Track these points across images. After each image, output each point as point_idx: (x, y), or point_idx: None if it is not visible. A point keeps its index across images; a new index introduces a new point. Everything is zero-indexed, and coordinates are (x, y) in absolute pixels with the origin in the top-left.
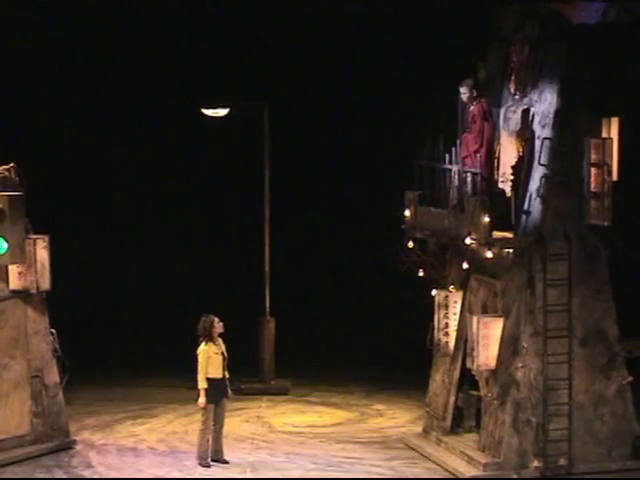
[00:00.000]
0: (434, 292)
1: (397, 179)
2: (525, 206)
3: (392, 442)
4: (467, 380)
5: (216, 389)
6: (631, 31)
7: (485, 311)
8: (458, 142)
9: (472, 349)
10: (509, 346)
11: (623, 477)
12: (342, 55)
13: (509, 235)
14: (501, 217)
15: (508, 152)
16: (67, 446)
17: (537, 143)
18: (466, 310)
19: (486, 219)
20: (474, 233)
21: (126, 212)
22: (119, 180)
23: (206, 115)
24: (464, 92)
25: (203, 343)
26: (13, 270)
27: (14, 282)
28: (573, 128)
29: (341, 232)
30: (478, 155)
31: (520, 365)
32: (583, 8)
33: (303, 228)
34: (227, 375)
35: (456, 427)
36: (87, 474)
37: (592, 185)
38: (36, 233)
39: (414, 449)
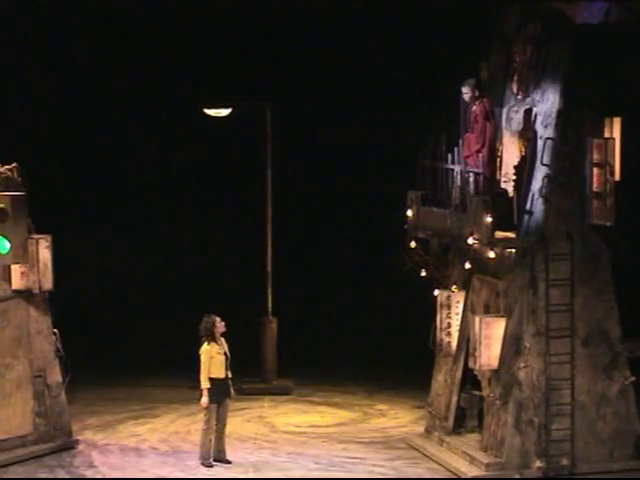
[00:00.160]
0: (436, 292)
1: (399, 179)
2: (527, 206)
3: (394, 442)
4: (469, 380)
5: (219, 389)
6: (633, 31)
7: (487, 311)
8: (460, 142)
9: (474, 349)
10: (511, 346)
11: (625, 477)
12: (344, 55)
13: (511, 235)
14: (503, 217)
15: (510, 152)
16: (69, 446)
17: (539, 143)
18: (468, 310)
19: (488, 219)
20: (476, 233)
21: (128, 212)
22: (121, 180)
23: (208, 115)
24: (466, 92)
25: (205, 343)
26: (16, 270)
27: (17, 282)
28: (575, 128)
29: (343, 232)
30: (480, 155)
31: (522, 365)
32: (585, 8)
33: (305, 228)
34: (230, 375)
35: (458, 427)
36: (89, 474)
37: (594, 185)
38: (38, 233)
39: (416, 449)
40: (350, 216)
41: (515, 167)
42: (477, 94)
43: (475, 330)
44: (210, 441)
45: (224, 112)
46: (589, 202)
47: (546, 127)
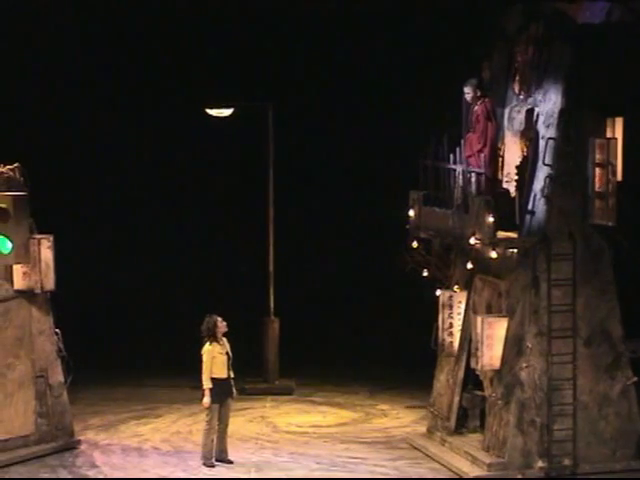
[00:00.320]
0: (438, 292)
1: (401, 179)
2: (529, 206)
3: (396, 442)
4: (471, 380)
5: (221, 389)
6: (635, 31)
7: (489, 311)
8: (462, 142)
9: (476, 349)
10: (513, 346)
11: (628, 477)
12: (346, 55)
13: (513, 235)
14: (505, 217)
15: (512, 152)
16: (71, 446)
17: (541, 143)
18: (470, 310)
19: (490, 219)
20: (478, 233)
21: (130, 212)
22: (123, 180)
23: (210, 115)
24: (468, 92)
25: (207, 343)
26: (17, 270)
27: (18, 282)
28: (577, 128)
29: (345, 232)
30: (482, 155)
31: (524, 365)
32: (587, 8)
33: (307, 228)
34: (232, 375)
35: (460, 427)
36: (91, 474)
37: (596, 185)
38: (40, 233)
39: (418, 449)
40: (352, 216)
41: (517, 167)
42: (479, 94)
43: (477, 330)
44: (212, 441)
45: (226, 112)
46: (591, 202)
47: (548, 127)
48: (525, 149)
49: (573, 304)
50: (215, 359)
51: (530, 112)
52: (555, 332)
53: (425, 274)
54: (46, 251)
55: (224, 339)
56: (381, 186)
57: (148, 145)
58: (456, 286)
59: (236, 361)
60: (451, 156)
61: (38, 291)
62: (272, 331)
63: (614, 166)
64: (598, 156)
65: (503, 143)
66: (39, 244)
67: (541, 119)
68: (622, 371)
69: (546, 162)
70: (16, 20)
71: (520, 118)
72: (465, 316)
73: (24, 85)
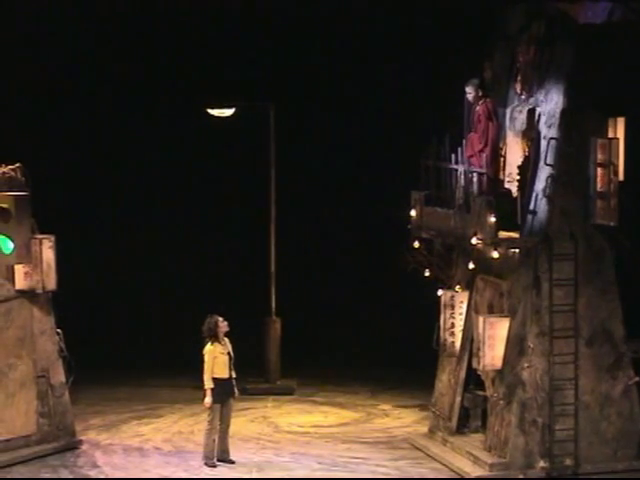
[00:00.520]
0: (440, 292)
1: (403, 179)
2: (531, 206)
3: (398, 442)
4: (473, 380)
5: (222, 389)
6: (637, 31)
7: (491, 311)
8: (464, 142)
9: (478, 349)
10: (515, 346)
11: (629, 477)
12: (347, 55)
13: (515, 235)
14: (507, 217)
15: (514, 152)
16: (73, 446)
17: (543, 143)
18: (472, 310)
19: (492, 219)
20: (480, 233)
21: (131, 212)
22: (124, 180)
23: (212, 115)
24: (470, 92)
25: (209, 343)
26: (19, 270)
27: (20, 282)
28: (579, 128)
29: (347, 232)
30: (483, 155)
31: (526, 365)
32: (589, 8)
33: (309, 228)
34: (234, 375)
35: (462, 427)
36: (93, 474)
37: (598, 185)
38: (42, 233)
39: (420, 449)
40: (353, 216)
41: (519, 167)
42: (481, 94)
43: (479, 330)
44: (214, 441)
45: (227, 112)
46: (593, 202)
47: (550, 127)
48: (527, 149)
49: (575, 304)
50: (217, 359)
51: (532, 112)
52: (557, 332)
53: (427, 274)
54: (48, 251)
55: (226, 339)
56: (383, 186)
57: (149, 145)
58: (458, 286)
59: (237, 361)
60: (453, 156)
61: (40, 291)
62: (274, 331)
63: (616, 166)
64: (600, 156)
65: (505, 143)
66: (41, 244)
67: (543, 119)
68: (624, 371)
69: (548, 162)
70: (16, 20)
71: (522, 118)
72: (467, 316)
73: (25, 85)
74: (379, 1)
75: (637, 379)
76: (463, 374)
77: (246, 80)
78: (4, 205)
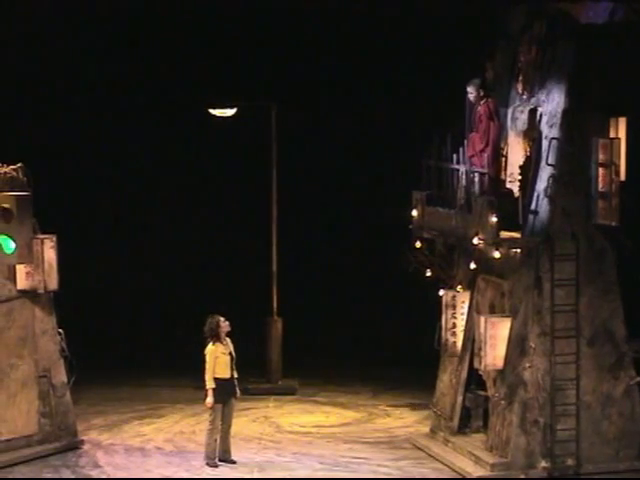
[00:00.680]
0: (442, 292)
1: (405, 179)
2: (533, 206)
3: (399, 442)
4: (474, 380)
5: (224, 389)
6: (639, 31)
7: (493, 311)
8: (465, 142)
9: (479, 349)
10: (516, 346)
11: (631, 477)
12: (349, 55)
13: (517, 235)
14: (508, 217)
15: (516, 152)
16: (74, 446)
17: (545, 143)
18: (474, 310)
19: (493, 219)
20: (482, 233)
21: (133, 212)
22: (126, 180)
23: (213, 115)
24: (471, 92)
25: (211, 343)
26: (21, 270)
27: (22, 282)
28: (581, 128)
29: (348, 232)
30: (485, 155)
31: (527, 365)
32: (591, 8)
33: (311, 228)
34: (236, 375)
35: (463, 427)
36: (94, 474)
37: (600, 185)
38: (43, 233)
39: (421, 449)
40: (355, 215)
41: (520, 167)
42: (482, 94)
43: (480, 330)
44: (215, 441)
45: (229, 112)
46: (594, 202)
47: (551, 127)
48: (528, 149)
49: (576, 304)
50: (218, 359)
51: (533, 112)
52: (558, 332)
53: (428, 274)
54: (49, 251)
55: (227, 339)
56: (384, 186)
57: (151, 145)
58: (459, 286)
59: (239, 361)
60: (454, 156)
61: (41, 291)
62: (275, 331)
63: (617, 166)
64: (601, 156)
65: (506, 143)
66: (42, 244)
67: (544, 119)
68: (625, 371)
69: (549, 162)
70: (17, 20)
71: (523, 118)
72: (468, 316)
73: (26, 85)
74: (381, 1)
75: (638, 379)
76: (464, 374)
77: (248, 80)
78: (6, 205)
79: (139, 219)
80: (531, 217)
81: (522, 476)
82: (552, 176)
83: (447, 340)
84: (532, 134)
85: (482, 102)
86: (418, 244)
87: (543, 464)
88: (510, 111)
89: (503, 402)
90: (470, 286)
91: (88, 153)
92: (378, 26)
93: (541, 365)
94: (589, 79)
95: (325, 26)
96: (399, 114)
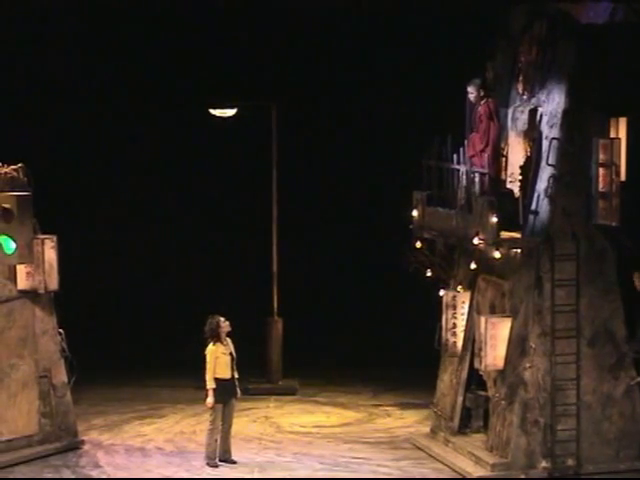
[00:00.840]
0: (442, 292)
1: (405, 179)
2: (533, 206)
3: (400, 442)
4: (475, 380)
5: (224, 389)
6: (639, 31)
7: (493, 311)
8: (466, 142)
9: (480, 349)
10: (517, 346)
11: (631, 477)
12: (350, 54)
13: (517, 235)
14: (509, 217)
15: (516, 152)
16: (75, 446)
17: (545, 143)
18: (474, 310)
19: (494, 219)
20: (482, 233)
21: (133, 212)
22: (126, 180)
23: (214, 115)
24: (472, 92)
25: (211, 343)
26: (21, 270)
27: (22, 282)
28: (581, 128)
29: (349, 232)
30: (485, 155)
31: (528, 365)
32: (591, 8)
33: (311, 228)
34: (236, 375)
35: (464, 427)
36: (95, 474)
37: (600, 185)
38: (44, 233)
39: (422, 449)
40: (355, 216)
41: (521, 167)
42: (482, 94)
43: (481, 330)
44: (216, 441)
45: (229, 112)
46: (595, 202)
47: (552, 127)
48: (529, 149)
49: (577, 304)
50: (218, 359)
51: (533, 112)
52: (559, 332)
53: (429, 274)
54: (50, 251)
55: (228, 339)
56: (385, 186)
57: (151, 145)
58: (460, 286)
59: (240, 361)
60: (455, 156)
61: (42, 291)
62: (276, 331)
63: (618, 166)
64: (602, 156)
65: (507, 143)
66: (43, 244)
67: (545, 119)
68: (626, 371)
69: (550, 162)
70: (17, 20)
71: (524, 118)
72: (469, 316)
73: (27, 85)
74: (381, 1)
75: (639, 379)
76: (465, 374)
77: (248, 80)
78: (6, 205)
79: (139, 219)
80: (531, 217)
81: (522, 476)
82: (552, 176)
83: (447, 340)
84: (532, 134)
85: (482, 102)
86: (418, 244)
87: (543, 464)
88: (510, 111)
89: (503, 402)
90: (470, 286)
91: (88, 153)
92: (378, 26)
93: (541, 365)
94: (589, 79)
95: (325, 26)
96: (399, 114)
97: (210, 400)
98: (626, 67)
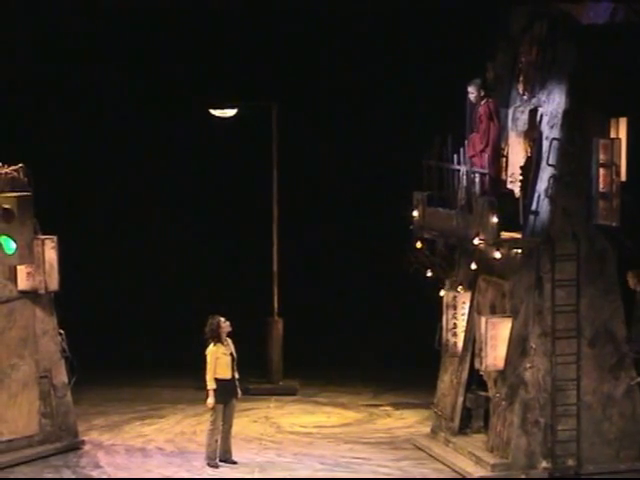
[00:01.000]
0: (442, 293)
1: (406, 179)
2: (533, 206)
3: (400, 443)
4: (475, 381)
5: (225, 389)
6: (639, 31)
7: (493, 312)
8: (466, 142)
9: (480, 350)
10: (517, 347)
11: (631, 478)
12: (350, 55)
13: (517, 235)
14: (509, 217)
15: (516, 152)
16: (75, 446)
17: (545, 143)
18: (474, 311)
19: (494, 219)
20: (482, 233)
21: (133, 212)
22: (126, 181)
23: (214, 115)
24: (472, 92)
25: (212, 344)
26: (22, 270)
27: (22, 282)
28: (581, 128)
29: (349, 232)
30: (485, 155)
31: (528, 366)
32: (591, 8)
33: (311, 228)
34: (237, 376)
35: (464, 428)
36: (95, 474)
37: (600, 185)
38: (44, 233)
39: (422, 450)
40: (355, 216)
41: (521, 167)
42: (483, 94)
43: (481, 331)
44: (216, 441)
45: (230, 112)
46: (595, 202)
47: (552, 127)
48: (529, 149)
49: (577, 304)
50: (219, 360)
51: (534, 112)
52: (559, 332)
53: (429, 274)
54: (50, 251)
55: (228, 340)
56: (385, 186)
57: (151, 146)
58: (460, 287)
59: (240, 361)
60: (455, 156)
61: (42, 291)
62: (276, 331)
63: (618, 166)
64: (602, 156)
65: (507, 143)
66: (43, 244)
67: (545, 119)
68: (626, 372)
69: (550, 162)
70: (17, 19)
71: (524, 118)
72: (469, 317)
73: (27, 85)
74: (382, 1)
75: (639, 379)
76: (465, 374)
77: (248, 80)
78: (7, 206)
79: (139, 219)
80: (532, 217)
81: (523, 476)
82: (553, 176)
83: (448, 340)
84: (533, 134)
85: (483, 102)
86: (419, 244)
87: (544, 464)
88: (511, 111)
89: (504, 402)
90: (471, 286)
91: (88, 153)
92: (378, 26)
93: (542, 365)
94: (590, 79)
95: (325, 26)
96: (399, 114)
97: (211, 400)
98: (626, 67)
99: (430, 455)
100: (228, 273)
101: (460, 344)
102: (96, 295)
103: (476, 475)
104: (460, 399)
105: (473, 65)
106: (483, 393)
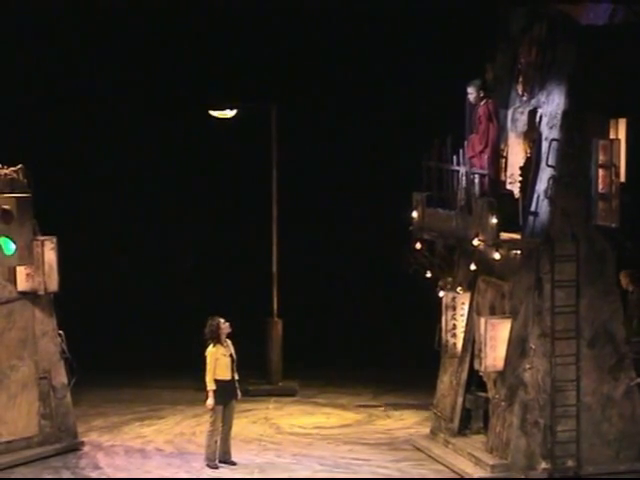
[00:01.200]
0: (442, 293)
1: (405, 180)
2: (533, 207)
3: (400, 443)
4: (475, 381)
5: (224, 390)
6: (639, 32)
7: (493, 312)
8: (465, 143)
9: (480, 350)
10: (517, 347)
11: (631, 478)
12: (350, 55)
13: (517, 236)
14: (509, 218)
15: (516, 153)
16: (75, 447)
17: (545, 144)
18: (474, 311)
19: (494, 220)
20: (482, 234)
21: (133, 213)
22: (126, 181)
23: (214, 116)
24: (471, 92)
25: (211, 345)
26: (21, 271)
27: (22, 283)
28: (581, 129)
29: (349, 233)
30: (484, 156)
31: (528, 366)
32: (591, 9)
33: (311, 229)
34: (236, 376)
35: (464, 429)
36: (95, 475)
37: (600, 186)
38: (44, 234)
39: (422, 450)
40: (355, 216)
41: (520, 168)
42: (482, 95)
43: (480, 331)
44: (215, 442)
45: (229, 113)
46: (594, 203)
47: (551, 128)
48: (528, 150)
49: (576, 305)
50: (219, 361)
51: (533, 113)
52: (558, 333)
53: (428, 275)
54: (49, 252)
55: (228, 341)
56: (384, 187)
57: (151, 146)
58: (459, 287)
59: (239, 362)
60: (454, 157)
61: (41, 292)
62: (275, 332)
63: (617, 167)
64: (601, 157)
65: (506, 144)
66: (42, 245)
67: (544, 120)
68: (625, 372)
69: (549, 163)
70: (17, 21)
71: (523, 119)
72: (468, 317)
73: (27, 86)
74: (381, 2)
75: (639, 380)
76: (465, 375)
77: (248, 81)
78: (6, 206)
79: (139, 220)
80: (531, 218)
81: (522, 477)
82: (552, 177)
83: (447, 341)
84: (532, 135)
85: (482, 103)
86: (418, 245)
87: (543, 465)
88: (510, 112)
89: (503, 403)
90: (470, 287)
91: (88, 154)
92: (378, 27)
93: (541, 366)
94: (589, 80)
95: (325, 27)
96: (399, 114)
97: (210, 401)
98: (626, 68)
99: (429, 456)
100: (227, 273)
101: (459, 345)
102: (96, 296)
103: (475, 476)
104: (459, 400)
105: (473, 66)
106: (482, 394)
